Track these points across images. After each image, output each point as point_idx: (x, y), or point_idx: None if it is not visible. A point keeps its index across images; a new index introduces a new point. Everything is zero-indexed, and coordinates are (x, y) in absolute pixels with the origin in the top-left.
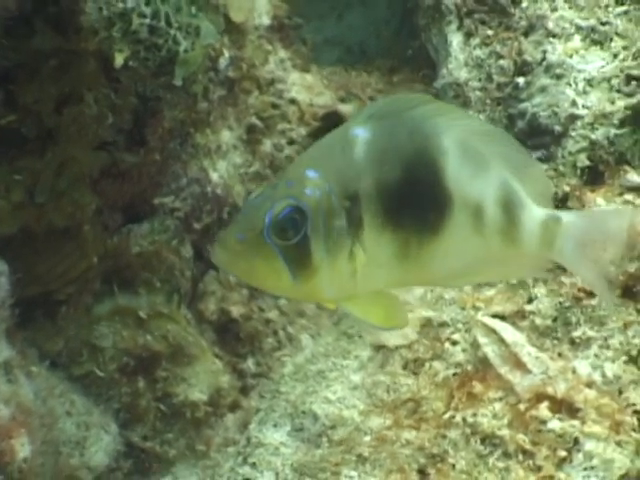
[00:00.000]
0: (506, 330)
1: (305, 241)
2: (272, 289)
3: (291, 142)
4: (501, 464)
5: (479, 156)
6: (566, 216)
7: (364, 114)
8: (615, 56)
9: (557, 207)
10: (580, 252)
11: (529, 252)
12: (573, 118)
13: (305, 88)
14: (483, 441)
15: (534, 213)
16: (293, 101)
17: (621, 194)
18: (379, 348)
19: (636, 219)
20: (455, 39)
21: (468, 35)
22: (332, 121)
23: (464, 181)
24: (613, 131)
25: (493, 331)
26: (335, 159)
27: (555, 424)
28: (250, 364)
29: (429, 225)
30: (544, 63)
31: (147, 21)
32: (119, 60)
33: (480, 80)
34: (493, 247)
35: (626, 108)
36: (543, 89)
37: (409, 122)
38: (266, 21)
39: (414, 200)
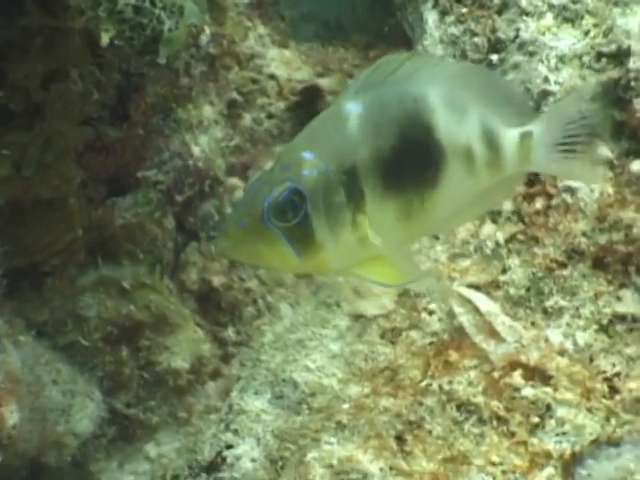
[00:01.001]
0: (481, 300)
1: (306, 220)
2: (280, 269)
3: (270, 116)
4: (476, 430)
5: (460, 100)
6: (536, 127)
7: (352, 88)
8: (586, 34)
9: (530, 181)
10: (554, 155)
11: (512, 173)
12: (545, 94)
13: (284, 63)
14: (459, 408)
15: (510, 136)
16: (272, 76)
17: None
18: (357, 317)
19: (588, 91)
20: (430, 17)
21: (443, 13)
22: (310, 95)
23: (452, 131)
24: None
25: (468, 301)
26: (329, 137)
27: (528, 391)
28: (231, 333)
29: (428, 181)
30: (517, 40)
31: (132, 1)
32: (105, 39)
33: (455, 57)
34: (483, 181)
35: (596, 84)
36: (516, 66)
37: (394, 87)
38: None
39: (411, 162)
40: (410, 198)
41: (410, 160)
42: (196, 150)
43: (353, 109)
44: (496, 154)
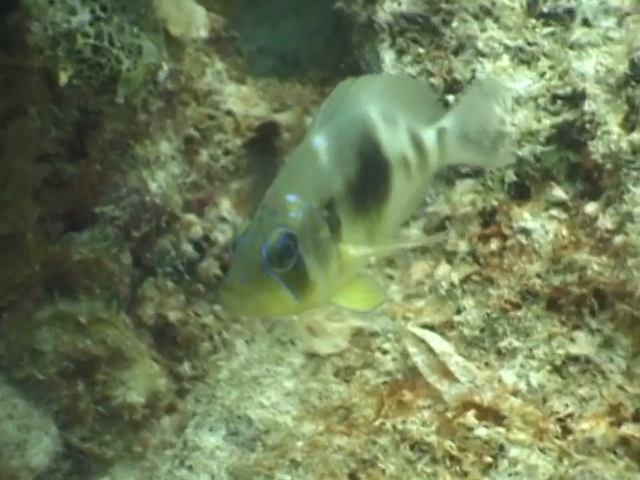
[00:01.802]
0: (435, 340)
1: (300, 262)
2: (279, 315)
3: (227, 152)
4: (429, 469)
5: (390, 112)
6: (447, 122)
7: (317, 122)
8: (542, 75)
9: (486, 222)
10: (465, 144)
11: (435, 169)
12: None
13: (241, 99)
14: (412, 447)
15: (429, 135)
16: (229, 112)
17: (547, 209)
18: (311, 356)
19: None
20: (387, 56)
21: (400, 53)
22: (267, 132)
23: (392, 143)
24: (539, 148)
25: (422, 341)
26: (306, 176)
27: (481, 431)
28: (186, 367)
29: (382, 195)
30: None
31: (91, 41)
32: (63, 78)
33: None
34: (417, 183)
35: (552, 126)
36: None
37: (346, 113)
38: (203, 34)
39: (370, 181)
40: (372, 214)
41: (369, 179)
42: (153, 186)
43: (320, 143)
44: (423, 155)
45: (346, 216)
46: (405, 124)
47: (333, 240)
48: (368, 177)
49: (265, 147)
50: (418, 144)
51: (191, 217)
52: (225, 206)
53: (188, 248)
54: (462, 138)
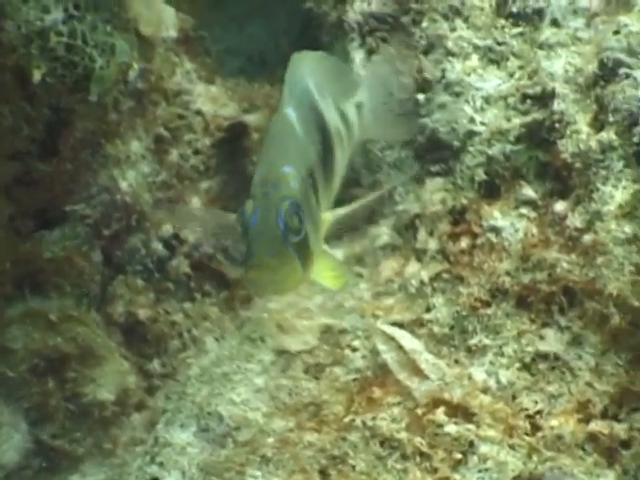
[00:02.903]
0: (404, 338)
1: (305, 231)
2: (290, 289)
3: (197, 152)
4: (399, 466)
5: (324, 86)
6: (362, 96)
7: (286, 93)
8: (511, 75)
9: (456, 220)
10: (379, 117)
11: (357, 141)
12: (471, 134)
13: (210, 99)
14: (382, 444)
15: (351, 109)
16: (199, 112)
17: (516, 207)
18: (281, 353)
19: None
20: (357, 56)
21: (370, 52)
22: (236, 131)
23: (330, 116)
24: (509, 147)
25: (392, 338)
26: (291, 146)
27: (451, 428)
28: (156, 365)
29: (332, 163)
30: (443, 81)
31: (64, 39)
32: (37, 76)
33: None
34: (347, 154)
35: (521, 125)
36: (442, 106)
37: (300, 86)
38: (173, 34)
39: (326, 151)
40: (327, 182)
41: (325, 148)
42: (124, 185)
43: (293, 114)
44: (349, 127)
45: (320, 183)
46: (334, 99)
47: (318, 207)
48: (325, 146)
49: (234, 147)
50: (345, 118)
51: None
52: (195, 205)
53: (158, 246)
54: (375, 110)
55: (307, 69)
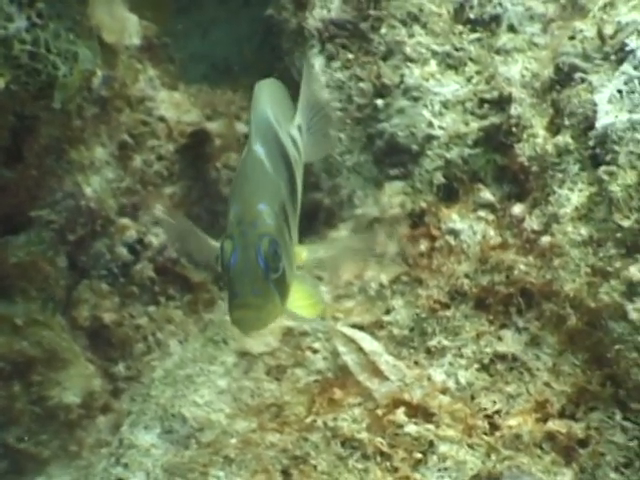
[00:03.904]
0: (364, 340)
1: (283, 266)
2: (270, 323)
3: (160, 158)
4: (360, 465)
5: (280, 116)
6: (299, 119)
7: (253, 128)
8: (469, 80)
9: (415, 223)
10: (312, 139)
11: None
12: (429, 138)
13: (173, 106)
14: (343, 444)
15: (296, 133)
16: (162, 119)
17: (475, 210)
18: (243, 355)
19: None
20: (317, 62)
21: (329, 58)
22: (199, 138)
23: (288, 144)
24: (467, 151)
25: (352, 340)
26: (263, 184)
27: (411, 428)
28: (121, 368)
29: (294, 194)
30: (402, 86)
31: (28, 47)
32: (1, 84)
33: (341, 101)
34: (301, 172)
35: (479, 130)
36: (401, 110)
37: (261, 121)
38: (136, 41)
39: (290, 179)
40: (295, 210)
41: (289, 179)
42: (88, 191)
43: (261, 150)
44: (299, 152)
45: (291, 216)
46: (284, 125)
47: (290, 239)
48: (289, 177)
49: (197, 153)
50: (295, 143)
51: (125, 221)
52: (158, 211)
53: (122, 251)
54: (309, 131)
55: (267, 100)
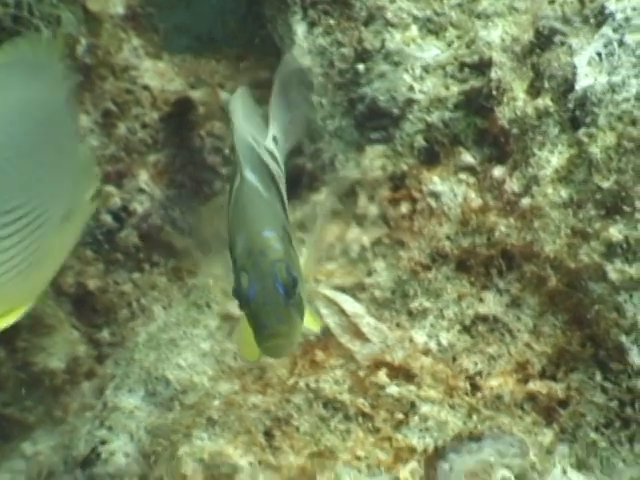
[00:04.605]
0: (346, 302)
1: (299, 288)
2: (296, 345)
3: (144, 126)
4: (342, 426)
5: (258, 134)
6: (274, 129)
7: (241, 157)
8: (449, 45)
9: (396, 186)
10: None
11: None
12: (410, 102)
13: (157, 75)
14: (325, 405)
15: (272, 146)
16: (146, 87)
17: (455, 173)
18: (227, 318)
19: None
20: (299, 28)
21: (312, 25)
22: (183, 106)
23: (270, 162)
24: (448, 114)
25: (334, 303)
26: (262, 210)
27: (393, 389)
28: (106, 334)
29: (285, 203)
30: (383, 51)
31: (11, 10)
32: None
33: (322, 67)
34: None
35: (459, 93)
36: (382, 75)
37: (249, 147)
38: (121, 10)
39: (280, 197)
40: (290, 227)
41: (279, 198)
42: None
43: (253, 176)
44: (279, 165)
45: (290, 233)
46: (261, 142)
47: (296, 257)
48: (279, 196)
49: (181, 121)
50: (274, 157)
51: (110, 188)
52: (143, 178)
53: (107, 218)
54: (286, 139)
55: (244, 119)
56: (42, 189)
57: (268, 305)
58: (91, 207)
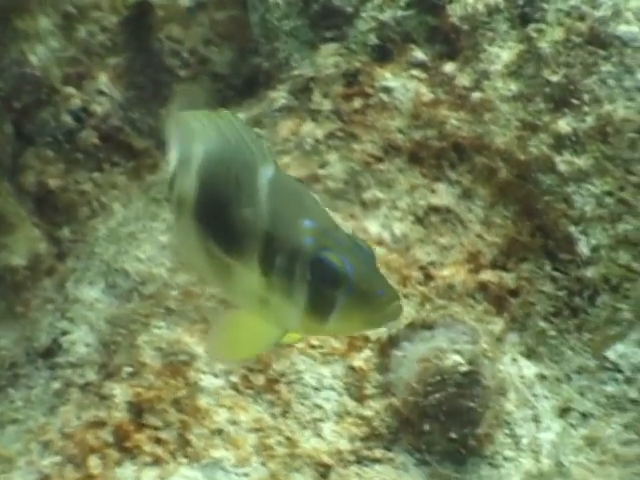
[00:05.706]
0: None
1: None
2: None
3: (104, 29)
4: None
5: None
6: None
7: (257, 153)
8: None
9: (349, 82)
10: None
11: None
12: (363, 1)
13: None
14: None
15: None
16: None
17: (407, 69)
18: None
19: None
20: None
21: None
22: (141, 10)
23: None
24: (400, 13)
25: None
26: (292, 203)
27: None
28: (66, 232)
29: None
30: None
31: None
32: None
33: None
34: None
35: None
36: None
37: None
38: None
39: None
40: None
41: None
42: (33, 59)
43: (269, 173)
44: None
45: None
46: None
47: None
48: None
49: (140, 25)
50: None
51: (70, 89)
52: (103, 80)
53: (67, 119)
54: None
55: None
56: None
57: (374, 273)
58: None
